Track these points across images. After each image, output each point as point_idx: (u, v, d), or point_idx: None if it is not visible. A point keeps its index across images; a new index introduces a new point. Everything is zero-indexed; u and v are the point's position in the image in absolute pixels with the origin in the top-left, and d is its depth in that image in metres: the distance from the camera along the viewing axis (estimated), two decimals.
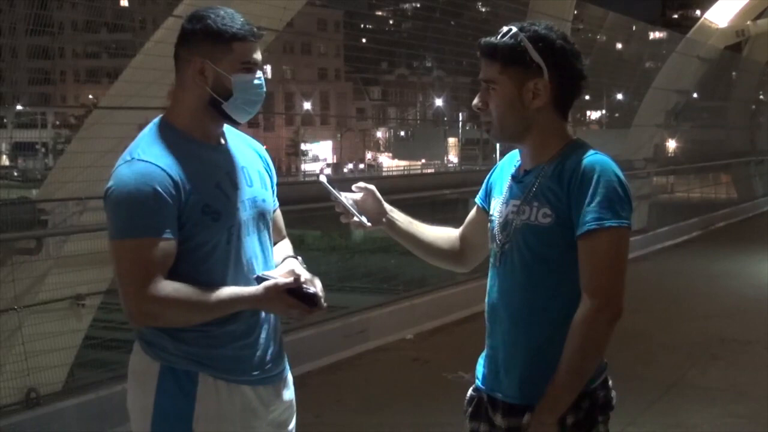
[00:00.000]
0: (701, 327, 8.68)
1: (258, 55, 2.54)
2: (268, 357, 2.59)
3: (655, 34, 19.85)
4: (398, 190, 9.19)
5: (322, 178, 2.69)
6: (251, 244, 2.56)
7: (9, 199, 6.14)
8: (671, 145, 19.49)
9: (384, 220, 2.80)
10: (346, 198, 2.70)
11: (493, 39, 2.52)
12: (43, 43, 7.14)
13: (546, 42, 2.48)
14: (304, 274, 2.54)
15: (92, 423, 5.41)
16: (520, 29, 2.49)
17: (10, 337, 5.68)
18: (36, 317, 5.79)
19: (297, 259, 2.65)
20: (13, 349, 5.62)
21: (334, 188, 2.67)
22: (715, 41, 17.73)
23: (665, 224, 15.37)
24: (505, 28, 2.52)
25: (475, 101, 2.57)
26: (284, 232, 2.83)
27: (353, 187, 2.78)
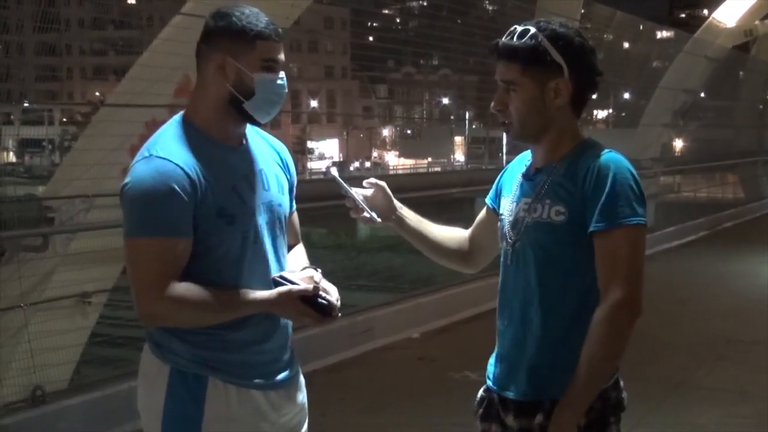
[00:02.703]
0: (707, 327, 8.66)
1: (281, 56, 2.50)
2: (280, 363, 2.57)
3: (663, 34, 19.83)
4: (404, 189, 9.18)
5: (334, 172, 2.69)
6: (266, 249, 2.53)
7: (16, 196, 6.15)
8: (678, 144, 19.47)
9: (393, 216, 2.79)
10: (357, 193, 2.70)
11: (511, 40, 2.50)
12: (50, 40, 7.15)
13: (565, 40, 2.48)
14: (323, 283, 2.51)
15: (98, 421, 5.41)
16: (538, 29, 2.48)
17: (16, 334, 5.68)
18: (42, 315, 5.79)
19: (317, 270, 2.60)
20: (20, 347, 5.63)
21: (344, 183, 2.66)
22: (722, 41, 17.72)
23: (672, 224, 15.34)
24: (519, 28, 2.51)
25: (494, 103, 2.56)
26: (299, 236, 2.79)
27: (364, 183, 2.77)
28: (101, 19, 7.35)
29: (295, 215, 2.75)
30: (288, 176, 2.68)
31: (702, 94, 19.21)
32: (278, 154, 2.68)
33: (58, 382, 5.70)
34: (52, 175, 7.27)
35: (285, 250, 2.63)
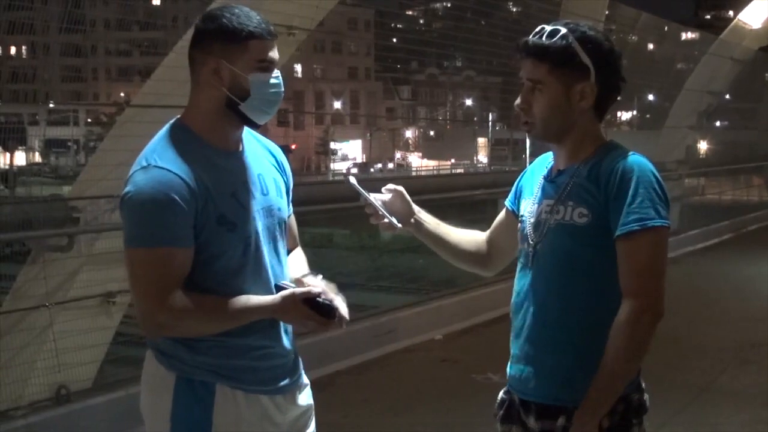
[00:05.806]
0: (732, 331, 8.60)
1: (275, 54, 2.46)
2: (286, 367, 2.56)
3: (688, 35, 19.72)
4: (427, 190, 9.17)
5: (352, 180, 2.68)
6: (267, 255, 2.50)
7: (42, 196, 6.19)
8: (703, 146, 19.34)
9: (412, 221, 2.79)
10: (375, 199, 2.70)
11: (541, 39, 2.49)
12: (75, 41, 7.19)
13: (595, 44, 2.48)
14: (325, 287, 2.49)
15: (122, 420, 5.43)
16: (568, 30, 2.48)
17: (41, 333, 5.72)
18: (67, 314, 5.83)
19: (318, 276, 2.58)
20: (44, 346, 5.67)
21: (363, 190, 2.67)
22: (749, 42, 17.60)
23: (696, 227, 15.26)
24: (548, 28, 2.50)
25: (518, 101, 2.55)
26: (297, 239, 2.76)
27: (383, 189, 2.77)
28: (126, 20, 7.38)
29: (293, 218, 2.71)
30: (285, 179, 2.65)
31: (727, 96, 19.09)
32: (274, 156, 2.65)
33: (82, 381, 5.74)
34: (77, 175, 7.31)
35: (285, 253, 2.61)
